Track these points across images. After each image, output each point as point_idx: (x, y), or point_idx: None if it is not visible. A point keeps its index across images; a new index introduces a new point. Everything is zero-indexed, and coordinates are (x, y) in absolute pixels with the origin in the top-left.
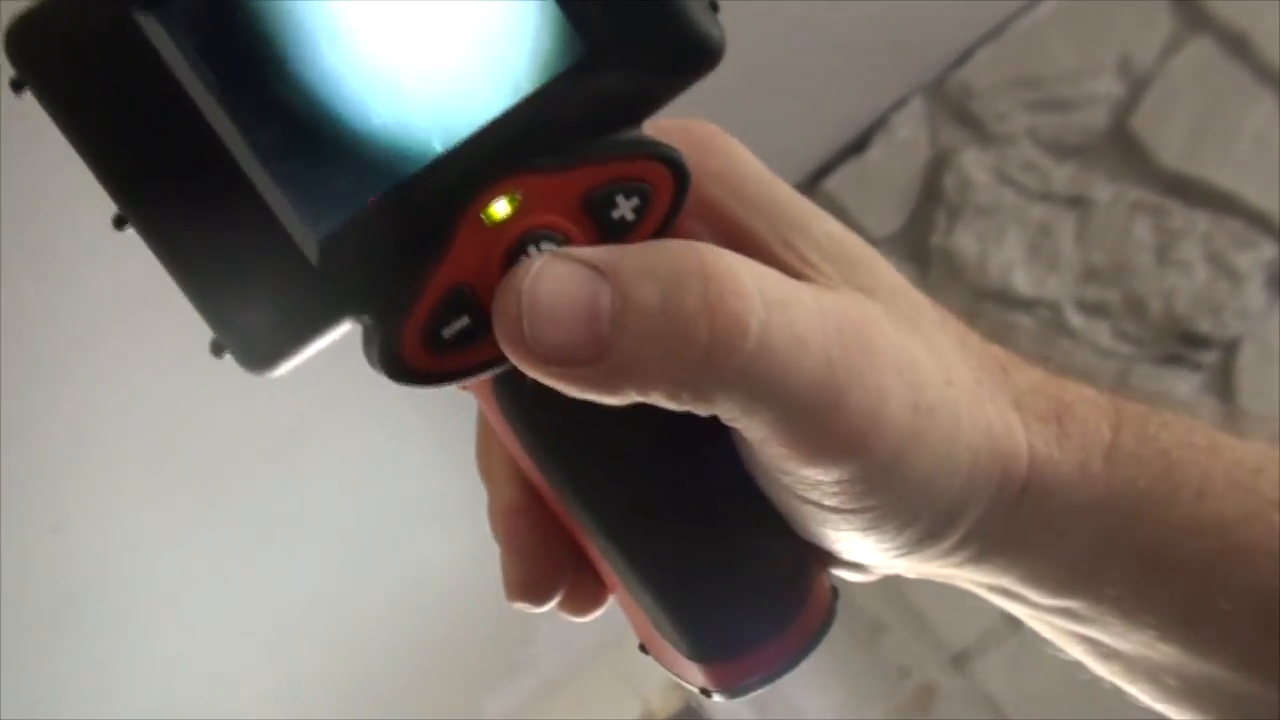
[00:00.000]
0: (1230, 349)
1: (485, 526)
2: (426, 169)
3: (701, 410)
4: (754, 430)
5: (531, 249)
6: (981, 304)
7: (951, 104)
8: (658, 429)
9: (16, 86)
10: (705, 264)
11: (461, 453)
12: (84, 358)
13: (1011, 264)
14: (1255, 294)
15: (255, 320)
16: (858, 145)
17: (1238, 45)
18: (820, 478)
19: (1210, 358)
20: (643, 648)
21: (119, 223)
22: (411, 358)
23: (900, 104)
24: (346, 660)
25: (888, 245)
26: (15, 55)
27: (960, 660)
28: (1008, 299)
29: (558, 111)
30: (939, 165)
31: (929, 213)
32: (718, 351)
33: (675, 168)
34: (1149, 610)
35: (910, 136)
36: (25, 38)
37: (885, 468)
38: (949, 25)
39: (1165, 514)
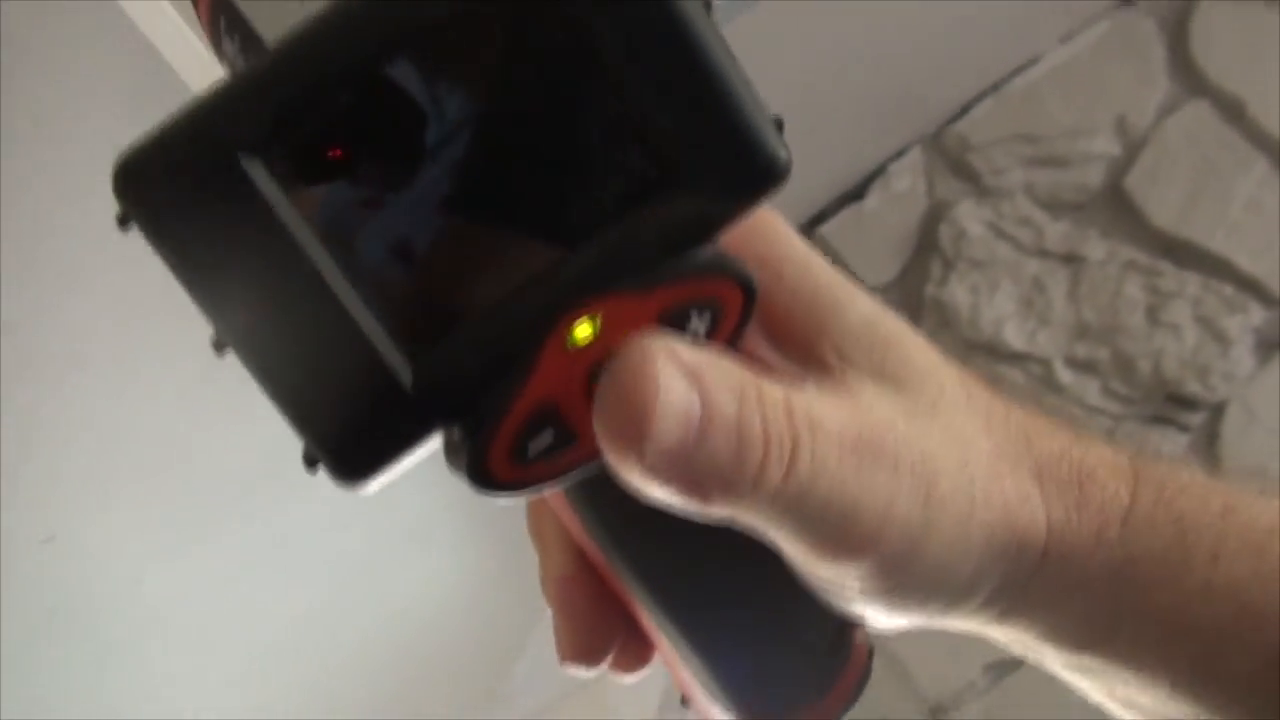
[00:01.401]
0: (1217, 412)
1: (467, 558)
2: (513, 293)
3: (722, 520)
4: (773, 536)
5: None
6: (972, 356)
7: (949, 156)
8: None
9: (123, 222)
10: (761, 390)
11: (448, 484)
12: (80, 372)
13: (1004, 317)
14: (1243, 358)
15: (350, 438)
16: (856, 193)
17: (1233, 111)
18: (838, 576)
19: (1197, 420)
20: (684, 701)
21: (219, 347)
22: (497, 470)
23: (899, 154)
24: (327, 685)
25: (882, 294)
26: (124, 192)
27: (939, 712)
28: (998, 352)
29: (635, 235)
30: (935, 216)
31: (924, 263)
32: (765, 474)
33: (744, 284)
34: (1163, 669)
35: (908, 187)
36: (134, 176)
37: (898, 559)
38: (949, 79)
39: (1179, 578)
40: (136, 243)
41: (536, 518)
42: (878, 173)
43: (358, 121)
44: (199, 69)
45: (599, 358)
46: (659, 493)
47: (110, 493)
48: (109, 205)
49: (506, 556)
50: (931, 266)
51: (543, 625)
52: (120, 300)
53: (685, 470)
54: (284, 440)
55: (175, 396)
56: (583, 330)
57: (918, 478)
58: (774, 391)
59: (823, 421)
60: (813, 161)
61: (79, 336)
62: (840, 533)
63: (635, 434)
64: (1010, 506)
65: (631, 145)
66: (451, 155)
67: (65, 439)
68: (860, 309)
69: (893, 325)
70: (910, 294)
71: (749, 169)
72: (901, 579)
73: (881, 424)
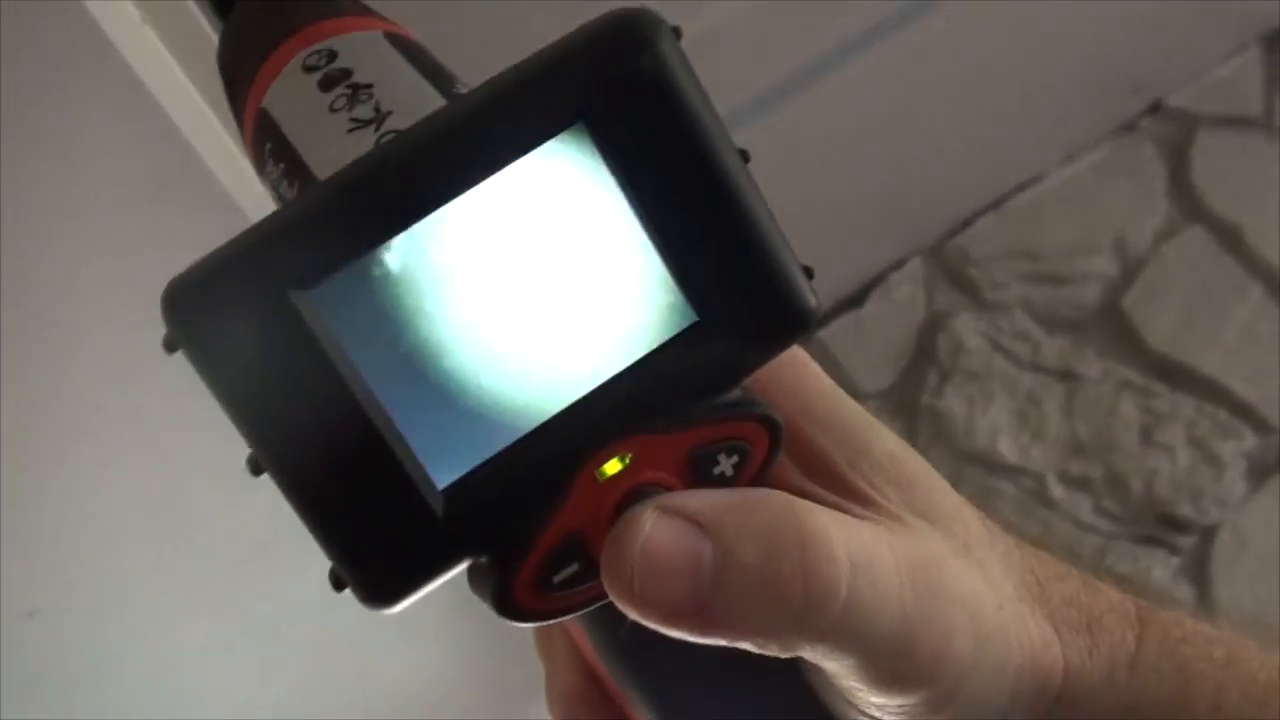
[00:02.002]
0: (1208, 536)
1: (457, 640)
2: (544, 427)
3: (784, 655)
4: (831, 666)
5: (639, 502)
6: (966, 467)
7: (949, 268)
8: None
9: (170, 347)
10: (803, 527)
11: None
12: (76, 445)
13: (998, 430)
14: (1235, 483)
15: (379, 564)
16: (855, 300)
17: (1230, 238)
18: (888, 703)
19: (1188, 543)
20: None
21: (255, 470)
22: (523, 599)
23: (900, 264)
24: None
25: (878, 401)
26: (173, 318)
27: None
28: (992, 465)
29: (667, 375)
30: (933, 326)
31: (920, 372)
32: (810, 612)
33: (772, 427)
34: None
35: (907, 296)
36: (184, 303)
37: (948, 693)
38: (952, 192)
39: None
40: (135, 315)
41: (545, 632)
42: (878, 280)
43: (405, 255)
44: (219, 149)
45: (627, 493)
46: (675, 633)
47: (97, 567)
48: (111, 278)
49: (498, 639)
50: (928, 376)
51: (536, 705)
52: (120, 376)
53: (709, 618)
54: (274, 519)
55: (168, 472)
56: (613, 466)
57: (970, 615)
58: (821, 523)
59: (881, 551)
60: (815, 265)
61: (75, 410)
62: (900, 664)
63: (626, 596)
64: (1035, 649)
65: (669, 289)
66: (493, 290)
67: (56, 513)
68: (886, 445)
69: (917, 463)
70: (906, 402)
71: (781, 316)
72: (948, 712)
73: (938, 557)
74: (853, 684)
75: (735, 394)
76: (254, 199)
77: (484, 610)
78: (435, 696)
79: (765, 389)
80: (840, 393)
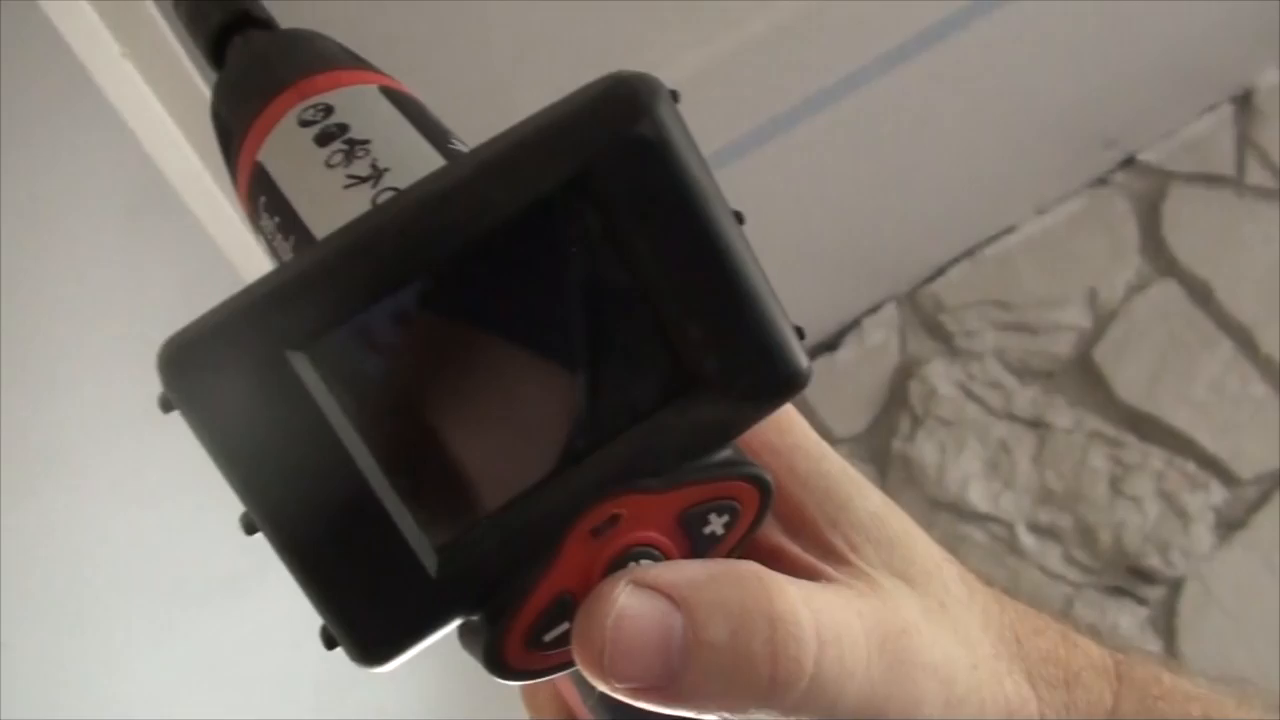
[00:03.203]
0: (1175, 588)
1: (422, 678)
2: (538, 486)
3: None
4: None
5: (629, 563)
6: (936, 514)
7: (923, 315)
8: None
9: (166, 406)
10: (773, 605)
11: None
12: (43, 477)
13: (969, 477)
14: (1203, 536)
15: (372, 622)
16: (830, 344)
17: (1201, 294)
18: None
19: (1155, 594)
20: None
21: (249, 529)
22: (513, 657)
23: (874, 309)
24: None
25: (850, 445)
26: (169, 379)
27: None
28: (962, 511)
29: (661, 437)
30: (906, 372)
31: (893, 417)
32: (776, 690)
33: (761, 486)
34: None
35: (881, 342)
36: (180, 363)
37: None
38: (927, 240)
39: None
40: (104, 346)
41: (532, 686)
42: (852, 325)
43: (400, 318)
44: (198, 187)
45: (618, 552)
46: (643, 704)
47: (61, 600)
48: (81, 307)
49: (465, 678)
50: (900, 422)
51: None
52: (91, 413)
53: (676, 693)
54: (241, 554)
55: (135, 504)
56: (604, 525)
57: (940, 681)
58: (790, 601)
59: (850, 623)
60: (790, 308)
61: (43, 442)
62: None
63: (596, 668)
64: (1012, 708)
65: (662, 350)
66: (489, 350)
67: (22, 549)
68: (869, 504)
69: (899, 521)
70: (878, 448)
71: (773, 378)
72: None
73: (909, 624)
74: None
75: (726, 453)
76: (226, 229)
77: (457, 652)
78: None
79: (752, 446)
80: (826, 449)
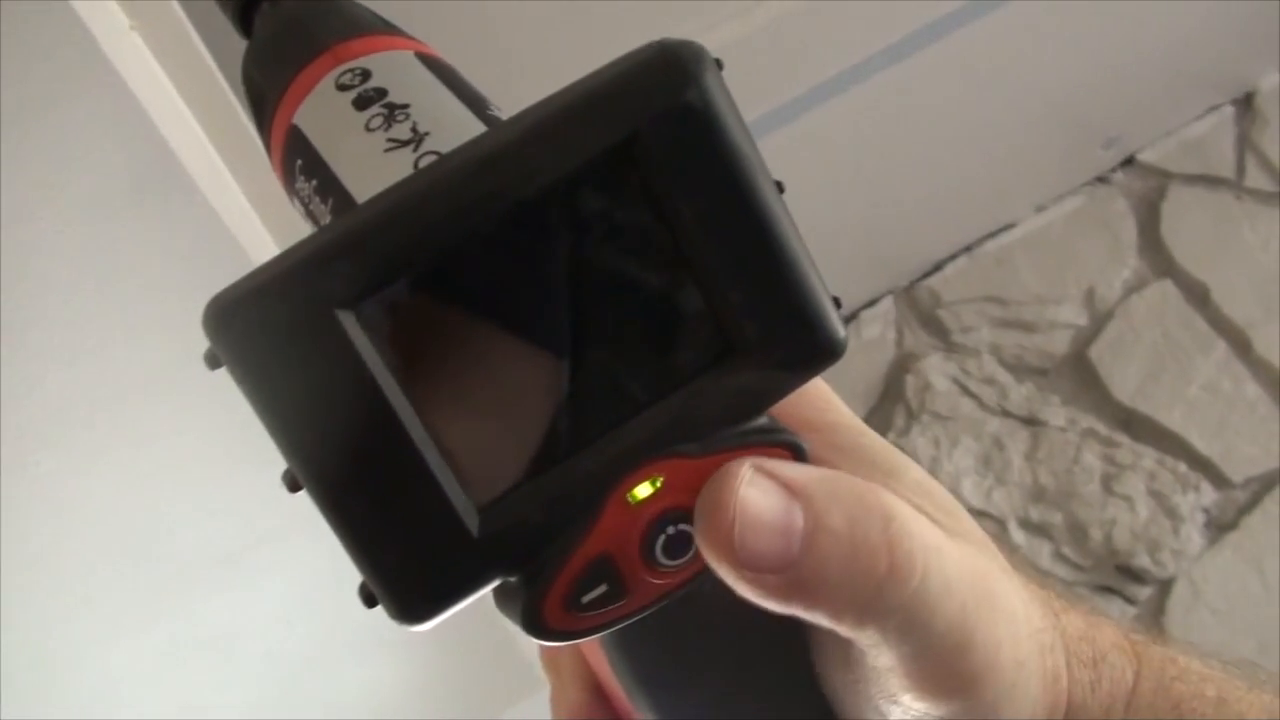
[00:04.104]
0: (1164, 588)
1: (415, 658)
2: (580, 450)
3: (851, 634)
4: (885, 659)
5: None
6: None
7: (920, 310)
8: (743, 658)
9: (214, 363)
10: (885, 502)
11: None
12: (42, 450)
13: (962, 473)
14: (1192, 537)
15: (413, 581)
16: None
17: (1197, 295)
18: (927, 711)
19: (1144, 594)
20: None
21: (293, 487)
22: (551, 618)
23: (871, 302)
24: None
25: None
26: (216, 335)
27: None
28: None
29: (700, 403)
30: (902, 367)
31: (888, 411)
32: (890, 583)
33: (797, 453)
34: None
35: (878, 335)
36: (227, 319)
37: (988, 707)
38: (926, 235)
39: None
40: (105, 320)
41: (552, 648)
42: (849, 318)
43: (448, 280)
44: (204, 161)
45: (657, 515)
46: (757, 596)
47: (55, 575)
48: (84, 280)
49: (455, 657)
50: (895, 415)
51: None
52: (85, 387)
53: (796, 580)
54: (244, 539)
55: (132, 481)
56: (643, 489)
57: (1012, 635)
58: (900, 503)
59: (949, 547)
60: None
61: (42, 415)
62: (954, 662)
63: (724, 544)
64: (1049, 681)
65: (702, 316)
66: (533, 314)
67: (15, 518)
68: (914, 474)
69: (944, 493)
70: None
71: (811, 345)
72: None
73: (989, 568)
74: (900, 682)
75: (762, 420)
76: (231, 203)
77: (448, 626)
78: (396, 712)
79: (791, 423)
80: (864, 426)
